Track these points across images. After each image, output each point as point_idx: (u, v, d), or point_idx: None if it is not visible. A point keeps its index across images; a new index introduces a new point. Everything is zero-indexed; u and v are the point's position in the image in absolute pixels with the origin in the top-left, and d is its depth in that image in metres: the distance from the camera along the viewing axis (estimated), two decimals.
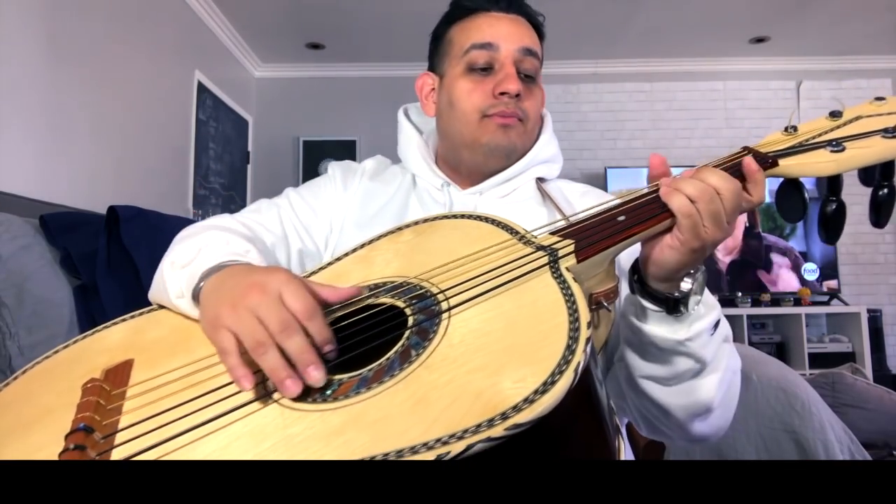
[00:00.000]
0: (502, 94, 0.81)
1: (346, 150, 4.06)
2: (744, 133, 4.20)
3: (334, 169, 0.94)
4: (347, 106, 4.12)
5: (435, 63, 0.91)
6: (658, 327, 0.65)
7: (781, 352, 3.80)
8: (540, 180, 0.90)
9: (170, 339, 0.60)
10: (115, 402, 0.51)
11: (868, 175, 0.65)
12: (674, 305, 0.63)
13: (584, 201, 0.89)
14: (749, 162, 0.62)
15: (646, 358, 0.68)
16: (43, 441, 0.48)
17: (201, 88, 3.28)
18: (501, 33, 0.83)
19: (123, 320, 0.65)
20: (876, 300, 3.99)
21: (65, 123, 2.11)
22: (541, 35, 0.90)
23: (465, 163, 0.88)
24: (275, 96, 4.19)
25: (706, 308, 0.66)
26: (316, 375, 0.48)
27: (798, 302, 3.84)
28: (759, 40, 3.91)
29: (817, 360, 3.61)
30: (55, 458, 0.45)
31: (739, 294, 3.86)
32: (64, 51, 2.10)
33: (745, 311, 3.76)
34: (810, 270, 3.92)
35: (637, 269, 0.65)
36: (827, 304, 3.92)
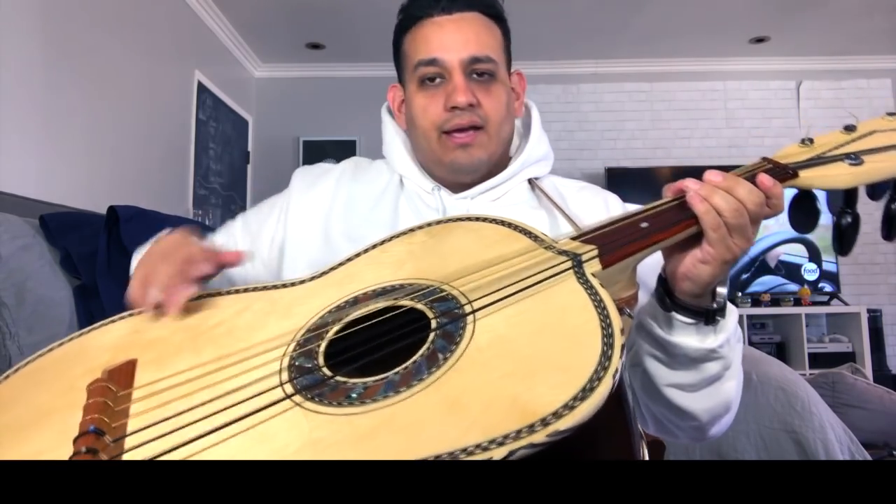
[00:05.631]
0: (454, 108, 0.80)
1: (346, 150, 4.05)
2: (744, 133, 4.20)
3: (294, 178, 0.93)
4: (347, 106, 4.12)
5: (399, 75, 0.90)
6: (689, 338, 0.65)
7: (781, 352, 3.80)
8: (533, 179, 0.89)
9: (173, 338, 0.58)
10: (121, 404, 0.49)
11: (877, 190, 0.66)
12: (711, 316, 0.63)
13: (581, 196, 0.89)
14: (763, 179, 0.61)
15: (674, 367, 0.68)
16: (46, 444, 0.47)
17: (201, 88, 3.28)
18: (445, 43, 0.80)
19: (122, 318, 0.63)
20: (876, 300, 3.99)
21: (64, 123, 2.11)
22: (500, 20, 0.86)
23: (438, 177, 0.87)
24: (275, 96, 4.18)
25: (727, 311, 0.66)
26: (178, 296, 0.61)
27: (798, 302, 3.84)
28: (759, 40, 3.90)
29: (817, 360, 3.61)
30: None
31: (739, 294, 3.87)
32: (63, 51, 2.10)
33: (745, 311, 3.76)
34: (810, 271, 3.92)
35: (663, 285, 0.65)
36: (827, 304, 3.92)
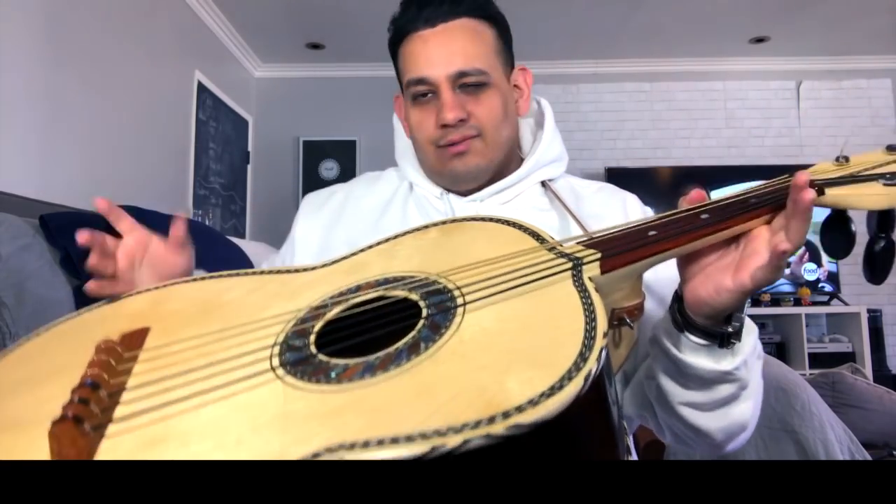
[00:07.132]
0: (444, 125, 0.80)
1: (346, 150, 4.04)
2: (744, 133, 4.20)
3: (302, 205, 0.95)
4: (347, 106, 4.12)
5: (400, 86, 0.90)
6: (703, 359, 0.63)
7: (781, 352, 3.80)
8: (547, 180, 0.88)
9: (188, 311, 0.62)
10: (125, 364, 0.53)
11: None
12: (726, 339, 0.61)
13: (598, 198, 0.87)
14: (805, 193, 0.55)
15: (687, 387, 0.66)
16: (52, 394, 0.50)
17: (201, 88, 3.28)
18: (431, 60, 0.80)
19: (147, 290, 0.69)
20: (876, 300, 3.98)
21: (65, 123, 2.11)
22: (492, 19, 0.84)
23: (443, 185, 0.87)
24: (275, 96, 4.18)
25: (746, 331, 0.63)
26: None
27: (798, 302, 3.84)
28: (759, 40, 3.91)
29: (817, 360, 3.61)
30: (60, 409, 0.45)
31: None
32: (63, 51, 2.10)
33: (744, 311, 3.75)
34: (810, 270, 3.92)
35: (678, 302, 0.63)
36: (827, 304, 3.92)
